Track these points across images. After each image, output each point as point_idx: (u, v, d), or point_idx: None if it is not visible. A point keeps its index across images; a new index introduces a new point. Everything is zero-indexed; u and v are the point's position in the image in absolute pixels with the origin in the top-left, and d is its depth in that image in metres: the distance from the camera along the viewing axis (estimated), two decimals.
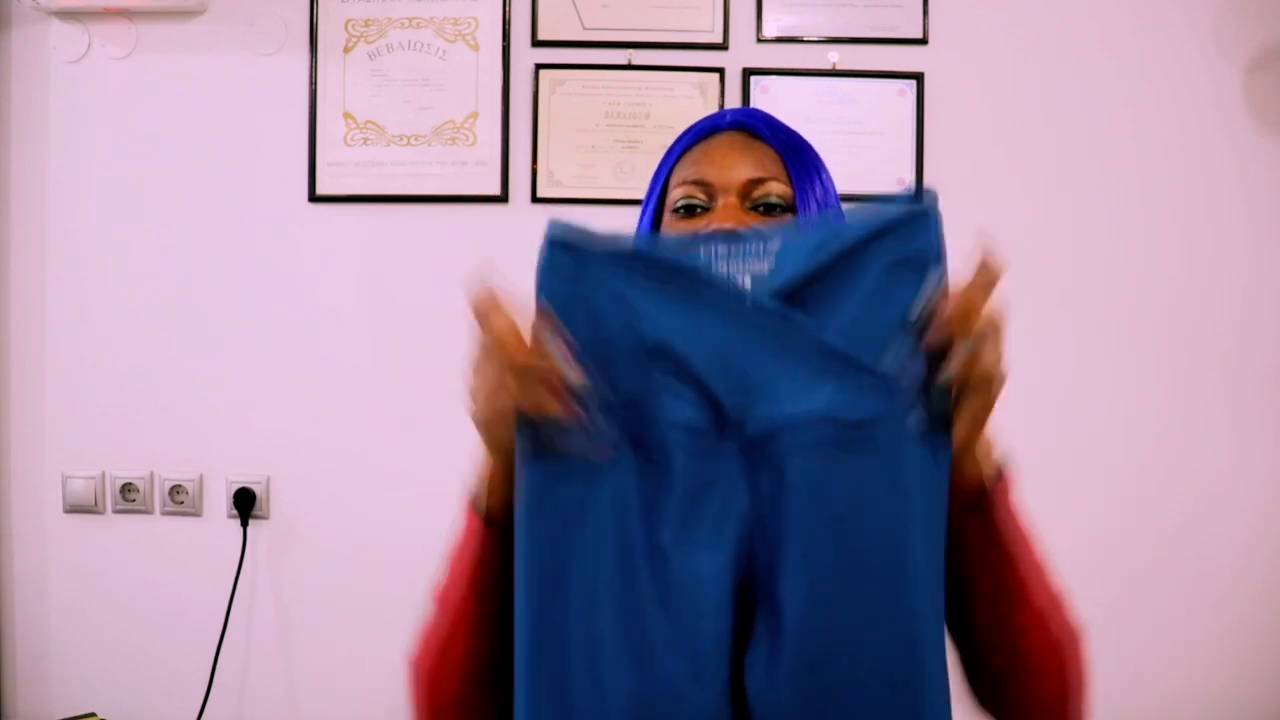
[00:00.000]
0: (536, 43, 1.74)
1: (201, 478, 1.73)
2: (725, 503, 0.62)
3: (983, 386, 0.66)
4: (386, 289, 1.74)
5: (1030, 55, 1.74)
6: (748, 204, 0.82)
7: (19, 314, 1.75)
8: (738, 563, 0.62)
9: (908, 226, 0.67)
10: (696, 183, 0.83)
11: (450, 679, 0.74)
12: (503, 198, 1.73)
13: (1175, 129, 1.73)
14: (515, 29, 1.74)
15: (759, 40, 1.74)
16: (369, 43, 1.74)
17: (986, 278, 0.68)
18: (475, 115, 1.74)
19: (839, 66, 1.74)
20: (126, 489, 1.73)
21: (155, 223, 1.74)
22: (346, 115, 1.74)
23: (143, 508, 1.73)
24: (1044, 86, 1.74)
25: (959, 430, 0.65)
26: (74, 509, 1.74)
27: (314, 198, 1.74)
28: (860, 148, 1.73)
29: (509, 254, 1.89)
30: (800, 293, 0.63)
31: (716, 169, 0.83)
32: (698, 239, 0.64)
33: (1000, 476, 0.73)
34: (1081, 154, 1.72)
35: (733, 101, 1.73)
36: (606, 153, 1.74)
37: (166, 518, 1.74)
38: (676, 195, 0.84)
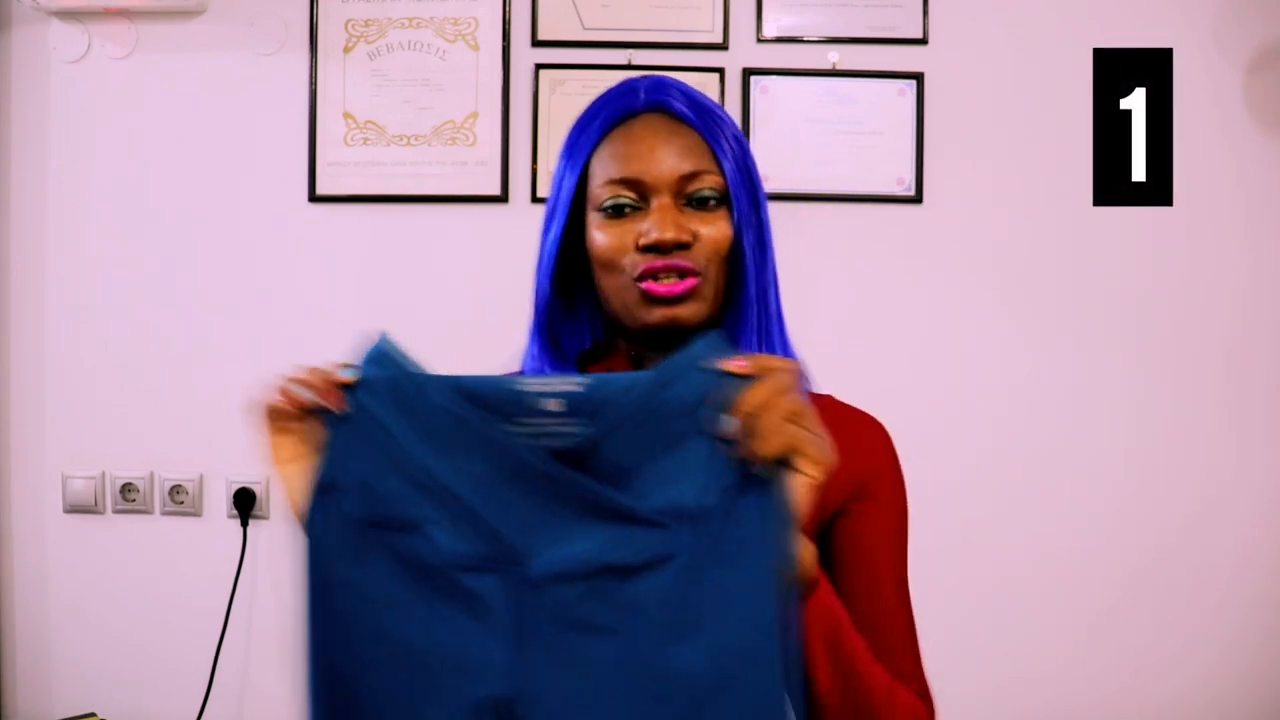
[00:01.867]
0: (536, 43, 1.74)
1: (201, 478, 1.73)
2: (484, 643, 0.64)
3: (798, 460, 0.64)
4: (386, 289, 1.74)
5: (1030, 55, 1.74)
6: (681, 200, 0.78)
7: (19, 314, 1.75)
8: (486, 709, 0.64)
9: (716, 390, 0.65)
10: (624, 181, 0.78)
11: None
12: (503, 198, 1.73)
13: (1176, 129, 1.72)
14: (515, 29, 1.74)
15: (759, 40, 1.74)
16: (369, 43, 1.74)
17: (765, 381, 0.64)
18: (475, 115, 1.74)
19: (839, 66, 1.74)
20: (126, 489, 1.73)
21: (155, 222, 1.74)
22: (346, 115, 1.74)
23: (143, 508, 1.73)
24: (1044, 86, 1.74)
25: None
26: (74, 509, 1.73)
27: (314, 198, 1.74)
28: (860, 148, 1.73)
29: (509, 254, 1.89)
30: (599, 447, 0.65)
31: (644, 164, 0.77)
32: (521, 390, 0.66)
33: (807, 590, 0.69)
34: (1081, 154, 1.72)
35: (732, 102, 1.73)
36: None
37: (166, 518, 1.74)
38: (603, 195, 0.79)
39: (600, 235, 0.79)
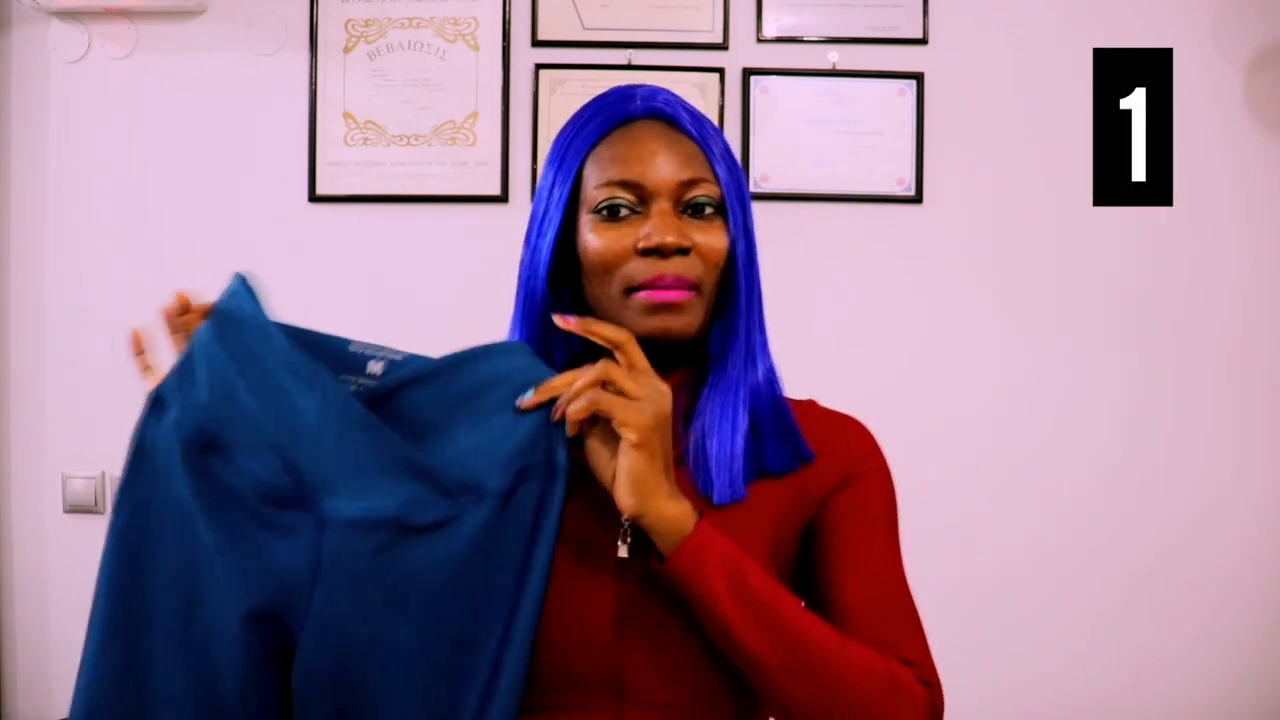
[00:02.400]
0: (536, 43, 1.74)
1: None
2: (271, 564, 0.70)
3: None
4: (386, 289, 1.74)
5: (1030, 55, 1.74)
6: (679, 207, 0.77)
7: (19, 314, 1.75)
8: (267, 621, 0.70)
9: (503, 359, 0.74)
10: (623, 184, 0.76)
11: None
12: (503, 198, 1.73)
13: (1176, 129, 1.72)
14: (515, 29, 1.74)
15: (759, 40, 1.74)
16: (369, 43, 1.74)
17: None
18: (475, 115, 1.74)
19: (839, 66, 1.74)
20: None
21: (155, 222, 1.74)
22: (346, 115, 1.74)
23: None
24: (1044, 86, 1.74)
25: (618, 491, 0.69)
26: (74, 509, 1.73)
27: (314, 198, 1.74)
28: (860, 148, 1.73)
29: (509, 254, 1.89)
30: (398, 398, 0.72)
31: (645, 168, 0.76)
32: (350, 350, 0.75)
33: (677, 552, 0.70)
34: (1081, 154, 1.72)
35: (732, 102, 1.73)
36: None
37: None
38: (599, 196, 0.77)
39: (595, 238, 0.77)
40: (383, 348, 0.74)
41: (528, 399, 0.71)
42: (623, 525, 0.74)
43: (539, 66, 1.73)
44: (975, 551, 1.72)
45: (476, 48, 1.74)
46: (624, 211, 0.77)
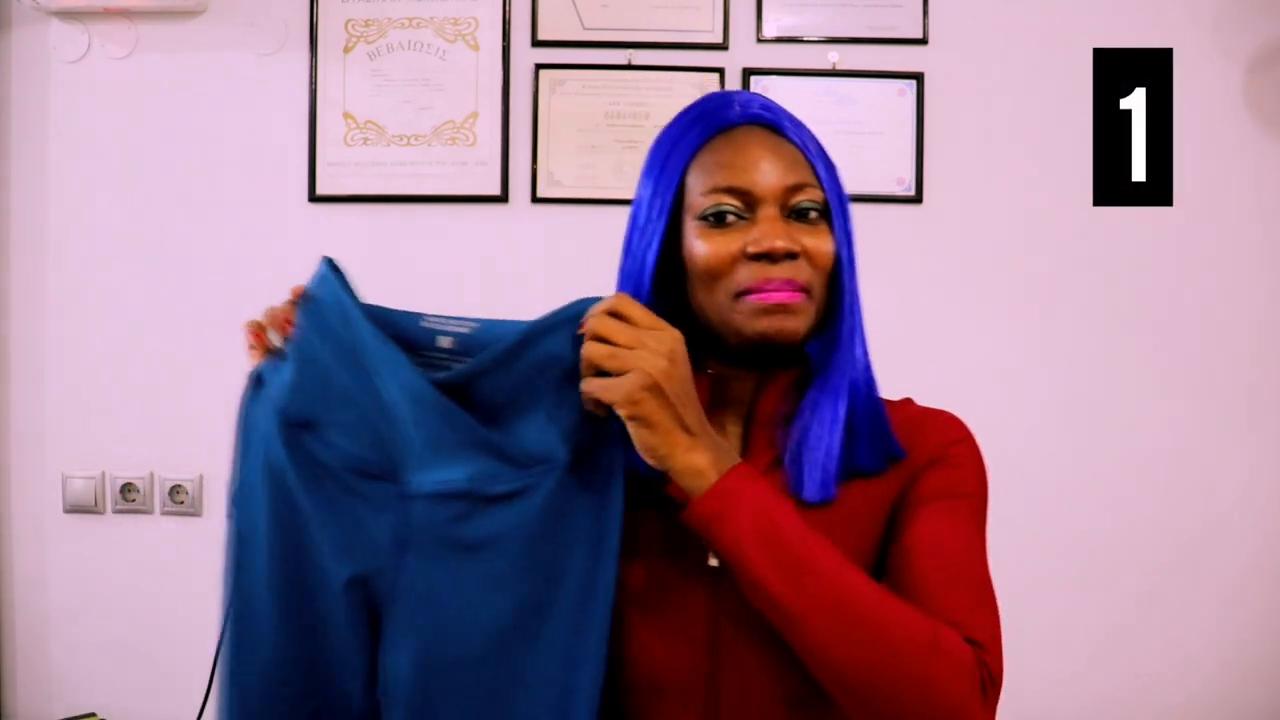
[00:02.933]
0: (536, 43, 1.74)
1: (201, 478, 1.73)
2: (365, 533, 0.75)
3: (623, 406, 0.68)
4: (386, 289, 1.74)
5: (1030, 55, 1.74)
6: (785, 212, 0.77)
7: (19, 314, 1.75)
8: (361, 588, 0.75)
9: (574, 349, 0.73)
10: (730, 190, 0.76)
11: None
12: (503, 198, 1.73)
13: (1176, 129, 1.72)
14: (515, 29, 1.74)
15: (759, 40, 1.74)
16: (369, 43, 1.74)
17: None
18: (475, 115, 1.74)
19: (839, 66, 1.74)
20: (126, 489, 1.73)
21: (155, 222, 1.74)
22: (346, 115, 1.74)
23: (143, 508, 1.73)
24: (1044, 86, 1.74)
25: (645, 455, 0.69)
26: (74, 509, 1.73)
27: (314, 198, 1.74)
28: (860, 148, 1.73)
29: (509, 254, 1.90)
30: (474, 383, 0.73)
31: (751, 175, 0.76)
32: (421, 325, 0.77)
33: (710, 513, 0.69)
34: (1081, 154, 1.72)
35: None
36: (606, 153, 1.74)
37: (166, 518, 1.73)
38: (705, 203, 0.77)
39: (702, 244, 0.77)
40: (449, 320, 0.77)
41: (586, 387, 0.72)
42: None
43: (539, 66, 1.73)
44: None
45: (476, 48, 1.74)
46: (730, 217, 0.77)
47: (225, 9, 1.74)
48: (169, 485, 1.73)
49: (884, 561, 0.79)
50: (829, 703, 0.73)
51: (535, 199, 1.73)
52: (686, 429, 0.69)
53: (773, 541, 0.67)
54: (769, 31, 1.74)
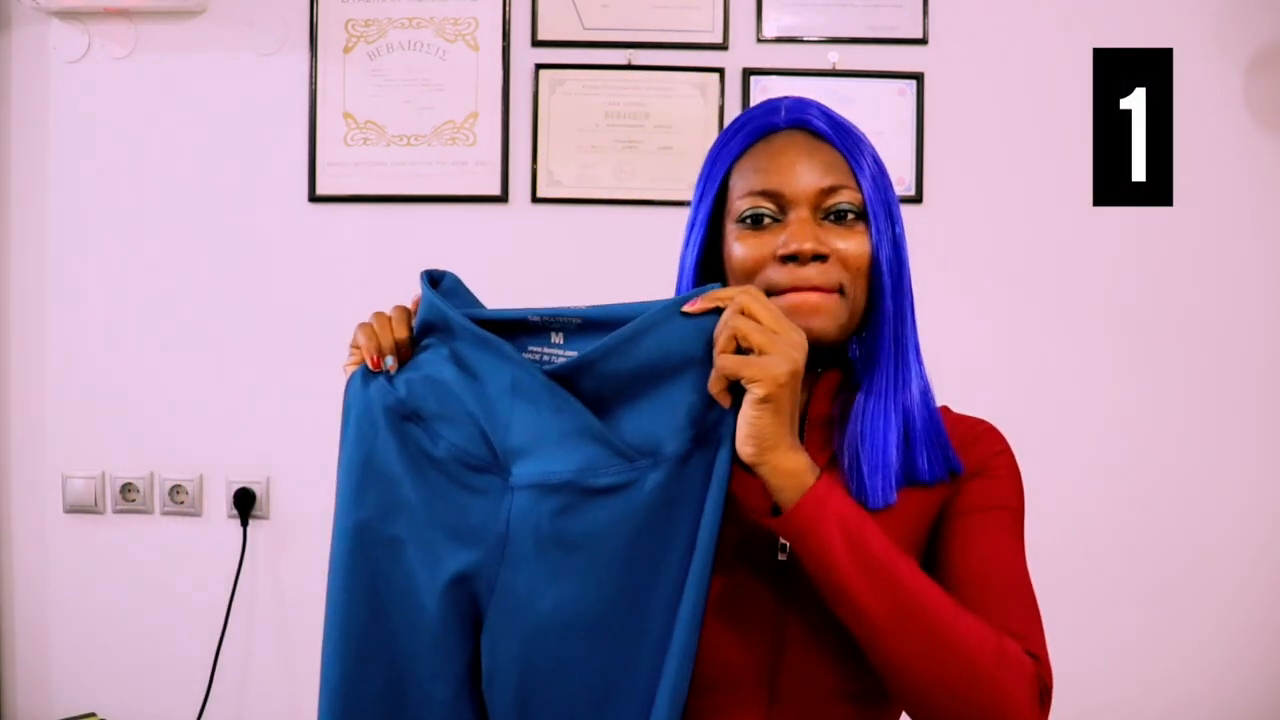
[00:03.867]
0: (536, 43, 1.74)
1: (201, 478, 1.73)
2: (471, 526, 0.75)
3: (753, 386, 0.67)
4: (386, 289, 1.73)
5: (1030, 55, 1.74)
6: (819, 214, 0.79)
7: (19, 314, 1.75)
8: (465, 582, 0.75)
9: (690, 337, 0.72)
10: (764, 193, 0.79)
11: None
12: (503, 198, 1.73)
13: (1176, 129, 1.72)
14: (515, 29, 1.74)
15: (759, 40, 1.74)
16: (369, 43, 1.74)
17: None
18: (475, 115, 1.74)
19: (839, 66, 1.74)
20: (126, 489, 1.73)
21: (155, 223, 1.74)
22: (346, 115, 1.74)
23: (143, 508, 1.73)
24: (1044, 86, 1.74)
25: (741, 449, 0.69)
26: (74, 509, 1.74)
27: (314, 198, 1.74)
28: None
29: (509, 254, 1.90)
30: (584, 373, 0.73)
31: (784, 177, 0.79)
32: (530, 321, 0.76)
33: (797, 515, 0.69)
34: (1081, 154, 1.72)
35: (732, 102, 1.73)
36: (606, 153, 1.74)
37: (166, 518, 1.74)
38: (742, 206, 0.80)
39: (739, 246, 0.80)
40: (557, 313, 0.76)
41: (694, 304, 0.70)
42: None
43: (539, 66, 1.73)
44: None
45: (476, 48, 1.74)
46: (766, 220, 0.79)
47: (225, 9, 1.74)
48: (169, 485, 1.73)
49: (927, 567, 0.80)
50: (887, 700, 0.75)
51: (535, 199, 1.73)
52: (793, 431, 0.70)
53: (860, 551, 0.69)
54: (769, 31, 1.74)
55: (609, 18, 1.74)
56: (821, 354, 0.80)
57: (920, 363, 0.85)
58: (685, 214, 1.91)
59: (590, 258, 1.73)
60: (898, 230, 0.83)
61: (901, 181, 1.73)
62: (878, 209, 0.80)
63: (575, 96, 1.73)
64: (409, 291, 1.78)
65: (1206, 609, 1.73)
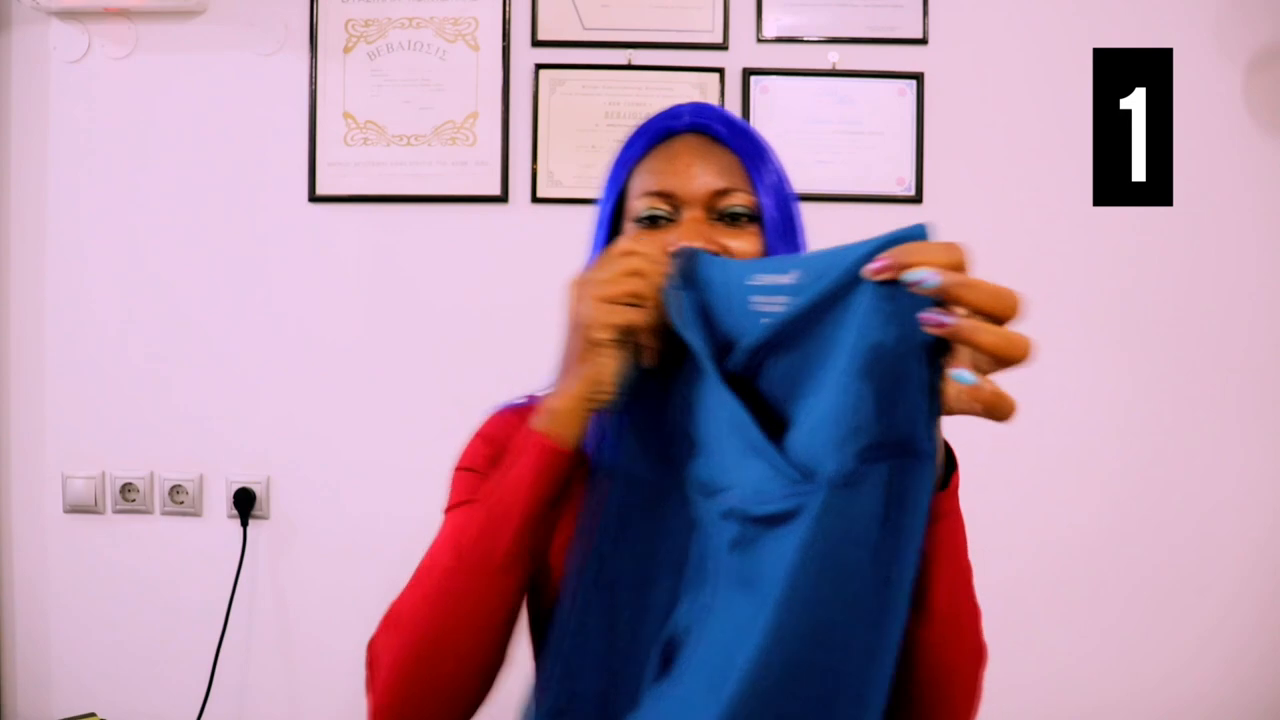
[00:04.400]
0: (536, 43, 1.74)
1: (201, 478, 1.73)
2: (684, 554, 0.70)
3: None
4: (386, 289, 1.74)
5: (1030, 55, 1.74)
6: (713, 215, 0.82)
7: (19, 314, 1.75)
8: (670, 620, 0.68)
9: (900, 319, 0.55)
10: (659, 194, 0.82)
11: (467, 647, 0.72)
12: (503, 198, 1.73)
13: (1176, 129, 1.73)
14: (515, 29, 1.74)
15: (759, 40, 1.74)
16: (369, 43, 1.74)
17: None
18: (475, 115, 1.74)
19: (839, 66, 1.74)
20: (126, 489, 1.73)
21: (155, 223, 1.74)
22: (346, 115, 1.74)
23: (143, 508, 1.73)
24: (1044, 86, 1.74)
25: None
26: (74, 509, 1.73)
27: (314, 198, 1.74)
28: (860, 148, 1.73)
29: (509, 254, 1.89)
30: (775, 352, 0.62)
31: (679, 179, 0.82)
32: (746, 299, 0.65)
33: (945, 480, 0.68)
34: (1081, 154, 1.72)
35: (732, 102, 1.73)
36: (606, 153, 1.73)
37: (166, 518, 1.74)
38: (639, 206, 0.83)
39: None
40: (775, 284, 0.61)
41: (874, 265, 0.53)
42: None
43: (539, 66, 1.73)
44: (975, 554, 1.71)
45: (476, 48, 1.74)
46: (661, 220, 0.82)
47: (225, 9, 1.74)
48: (169, 485, 1.73)
49: None
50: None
51: (535, 199, 1.73)
52: None
53: (954, 562, 0.71)
54: (769, 31, 1.74)
55: (609, 18, 1.74)
56: None
57: None
58: None
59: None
60: (794, 230, 0.84)
61: (901, 181, 1.73)
62: (771, 210, 0.82)
63: (575, 96, 1.73)
64: (409, 290, 1.77)
65: (1205, 609, 1.73)
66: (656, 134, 0.85)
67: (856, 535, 0.54)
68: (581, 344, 0.73)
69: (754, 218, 0.82)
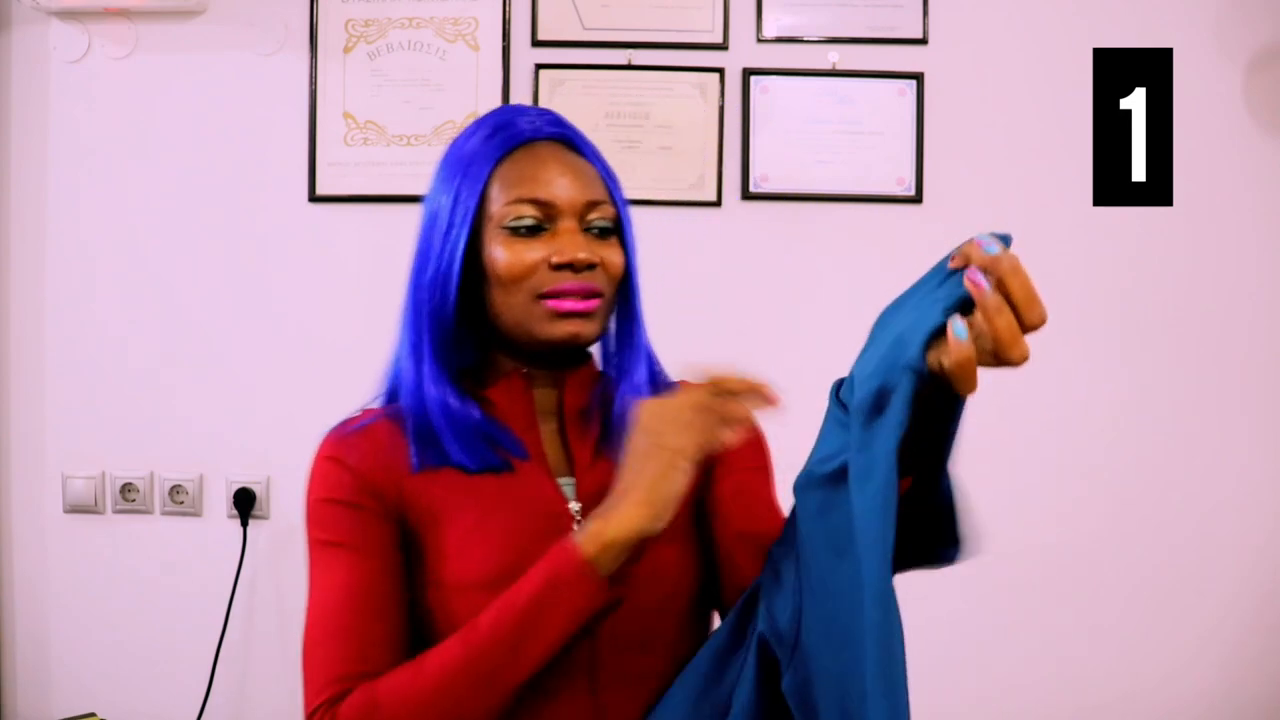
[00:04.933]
0: (536, 43, 1.74)
1: (201, 478, 1.73)
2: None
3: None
4: (386, 289, 1.74)
5: (1030, 55, 1.74)
6: (582, 225, 0.84)
7: (19, 315, 1.75)
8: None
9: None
10: (534, 202, 0.82)
11: None
12: None
13: (1176, 129, 1.72)
14: (515, 29, 1.74)
15: (759, 40, 1.74)
16: (369, 43, 1.74)
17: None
18: (475, 115, 1.73)
19: (839, 66, 1.74)
20: (126, 489, 1.73)
21: (155, 223, 1.74)
22: (346, 115, 1.74)
23: (143, 508, 1.73)
24: (1044, 86, 1.74)
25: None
26: (74, 509, 1.73)
27: (314, 198, 1.74)
28: (860, 148, 1.73)
29: None
30: None
31: (554, 189, 0.83)
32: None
33: None
34: (1081, 154, 1.72)
35: (732, 102, 1.73)
36: (606, 153, 1.71)
37: (166, 518, 1.74)
38: (509, 212, 0.82)
39: (504, 252, 0.82)
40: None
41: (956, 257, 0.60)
42: (573, 509, 0.83)
43: (539, 66, 1.73)
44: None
45: (476, 48, 1.74)
46: (534, 228, 0.83)
47: (225, 9, 1.74)
48: (169, 485, 1.73)
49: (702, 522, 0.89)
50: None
51: None
52: None
53: None
54: (769, 31, 1.74)
55: (609, 18, 1.74)
56: (576, 353, 0.88)
57: (650, 347, 0.93)
58: (686, 214, 1.91)
59: None
60: (632, 236, 0.90)
61: (901, 181, 1.73)
62: (626, 221, 0.87)
63: (575, 96, 1.73)
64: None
65: (1205, 609, 1.73)
66: (517, 137, 0.85)
67: (867, 468, 0.60)
68: (663, 465, 0.72)
69: (614, 229, 0.86)
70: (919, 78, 1.73)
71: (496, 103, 1.73)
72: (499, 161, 0.84)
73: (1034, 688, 1.71)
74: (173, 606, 1.72)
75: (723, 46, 1.73)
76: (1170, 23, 1.73)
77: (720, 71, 1.73)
